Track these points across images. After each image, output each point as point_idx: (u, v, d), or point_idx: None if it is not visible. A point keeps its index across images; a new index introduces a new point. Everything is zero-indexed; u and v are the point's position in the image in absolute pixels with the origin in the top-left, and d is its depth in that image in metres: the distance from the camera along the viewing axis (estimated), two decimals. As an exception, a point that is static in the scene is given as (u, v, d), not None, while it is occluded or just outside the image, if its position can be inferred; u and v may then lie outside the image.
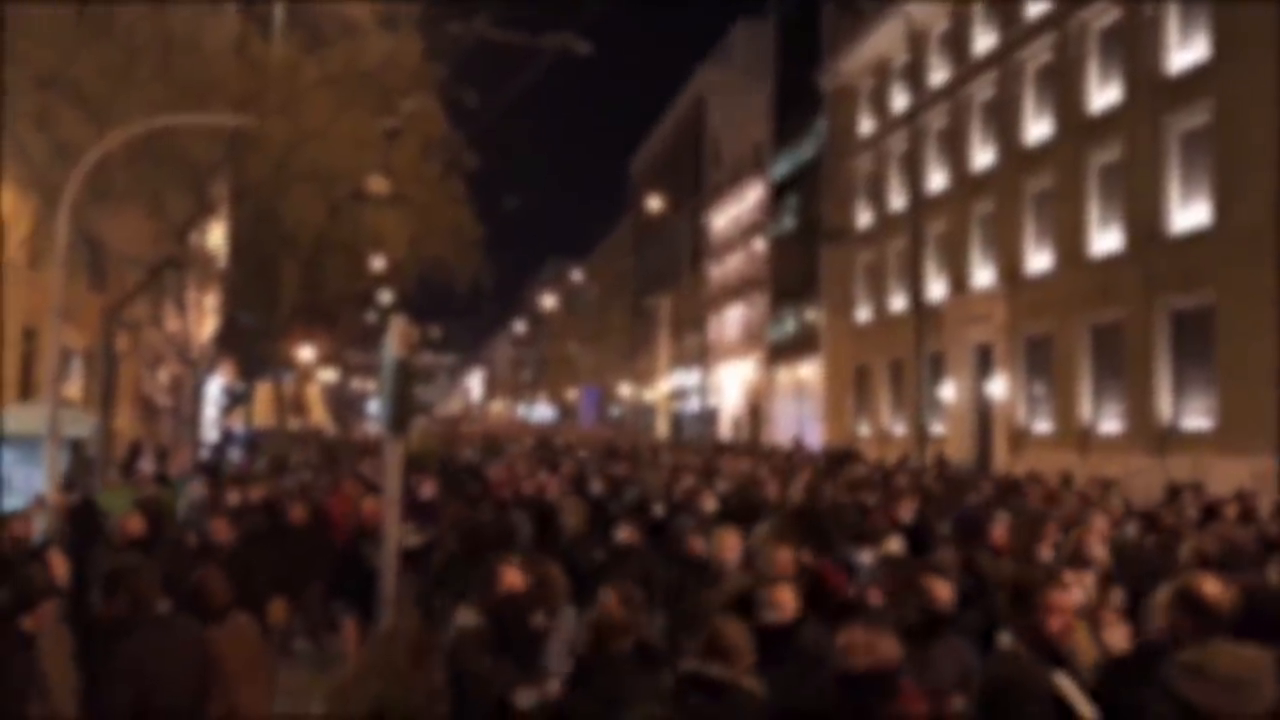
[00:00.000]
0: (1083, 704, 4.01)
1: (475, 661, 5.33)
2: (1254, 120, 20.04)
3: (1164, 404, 22.76)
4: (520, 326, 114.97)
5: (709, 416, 55.97)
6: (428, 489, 11.59)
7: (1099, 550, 7.38)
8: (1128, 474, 18.92)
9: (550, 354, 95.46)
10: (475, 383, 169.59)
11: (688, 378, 61.08)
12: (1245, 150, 20.35)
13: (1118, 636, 5.37)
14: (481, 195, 30.04)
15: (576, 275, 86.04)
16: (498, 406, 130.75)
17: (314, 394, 59.27)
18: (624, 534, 8.73)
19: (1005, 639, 4.15)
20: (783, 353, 46.59)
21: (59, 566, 5.61)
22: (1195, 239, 21.89)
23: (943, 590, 5.56)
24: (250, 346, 35.74)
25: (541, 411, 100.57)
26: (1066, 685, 3.99)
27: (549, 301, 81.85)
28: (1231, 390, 20.62)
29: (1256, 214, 19.86)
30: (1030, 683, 3.96)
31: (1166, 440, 22.06)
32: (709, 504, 10.50)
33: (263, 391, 44.31)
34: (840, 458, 25.39)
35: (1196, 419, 21.94)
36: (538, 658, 5.56)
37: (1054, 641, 4.11)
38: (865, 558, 7.68)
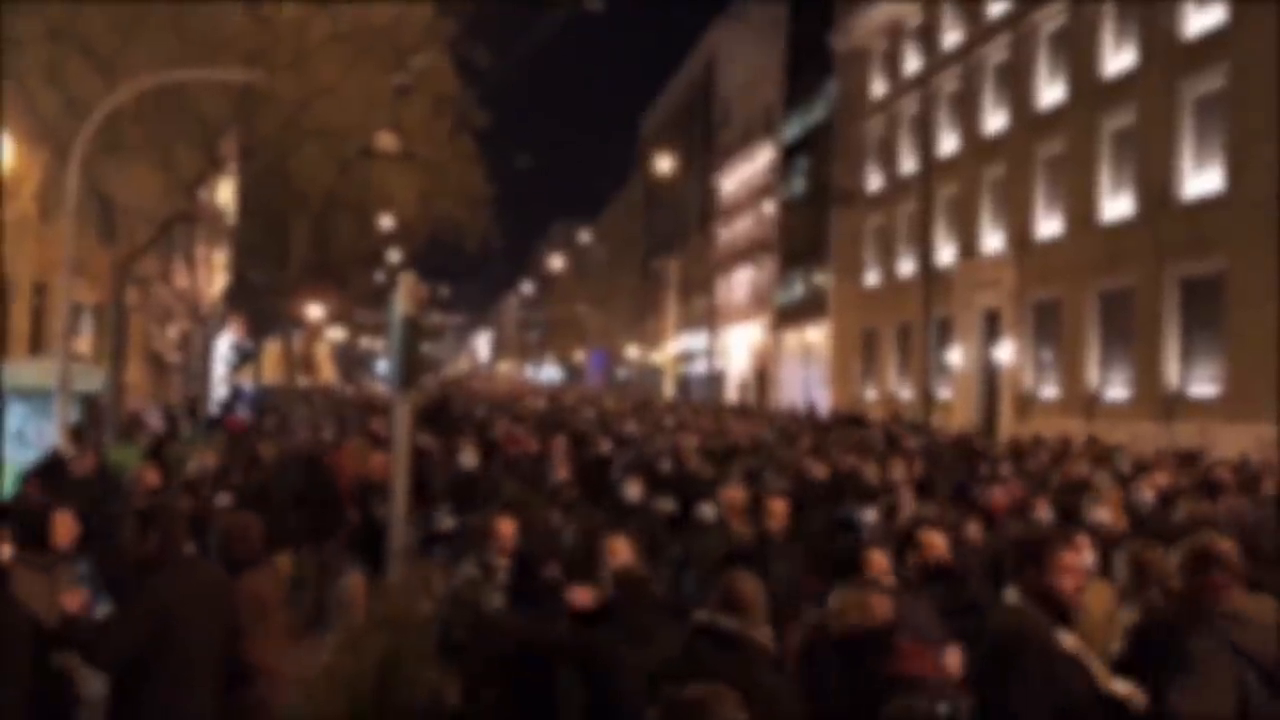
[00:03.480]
0: (1093, 661, 4.00)
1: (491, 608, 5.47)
2: (1269, 86, 19.84)
3: (1171, 371, 22.74)
4: (528, 287, 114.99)
5: (716, 380, 56.04)
6: (469, 456, 11.26)
7: (1103, 514, 7.45)
8: (1132, 440, 18.96)
9: (558, 315, 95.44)
10: (483, 343, 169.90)
11: (695, 340, 61.08)
12: (1259, 116, 20.17)
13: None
14: (491, 154, 29.95)
15: (585, 236, 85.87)
16: (505, 367, 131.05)
17: (323, 352, 59.49)
18: (631, 491, 8.90)
19: (1011, 595, 4.08)
20: (790, 316, 46.54)
21: (65, 527, 5.70)
22: (1207, 206, 21.77)
23: (937, 542, 5.67)
24: (259, 304, 35.86)
25: (549, 373, 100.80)
26: (1074, 642, 3.96)
27: (557, 262, 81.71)
28: (1239, 358, 20.60)
29: (1269, 181, 19.72)
30: (1032, 637, 3.90)
31: (1173, 407, 22.07)
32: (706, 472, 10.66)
33: (271, 349, 44.52)
34: (846, 421, 25.48)
35: (1203, 386, 21.93)
36: (553, 606, 5.70)
37: (1063, 601, 4.02)
38: (868, 516, 7.82)
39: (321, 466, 11.37)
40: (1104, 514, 7.44)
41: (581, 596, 5.49)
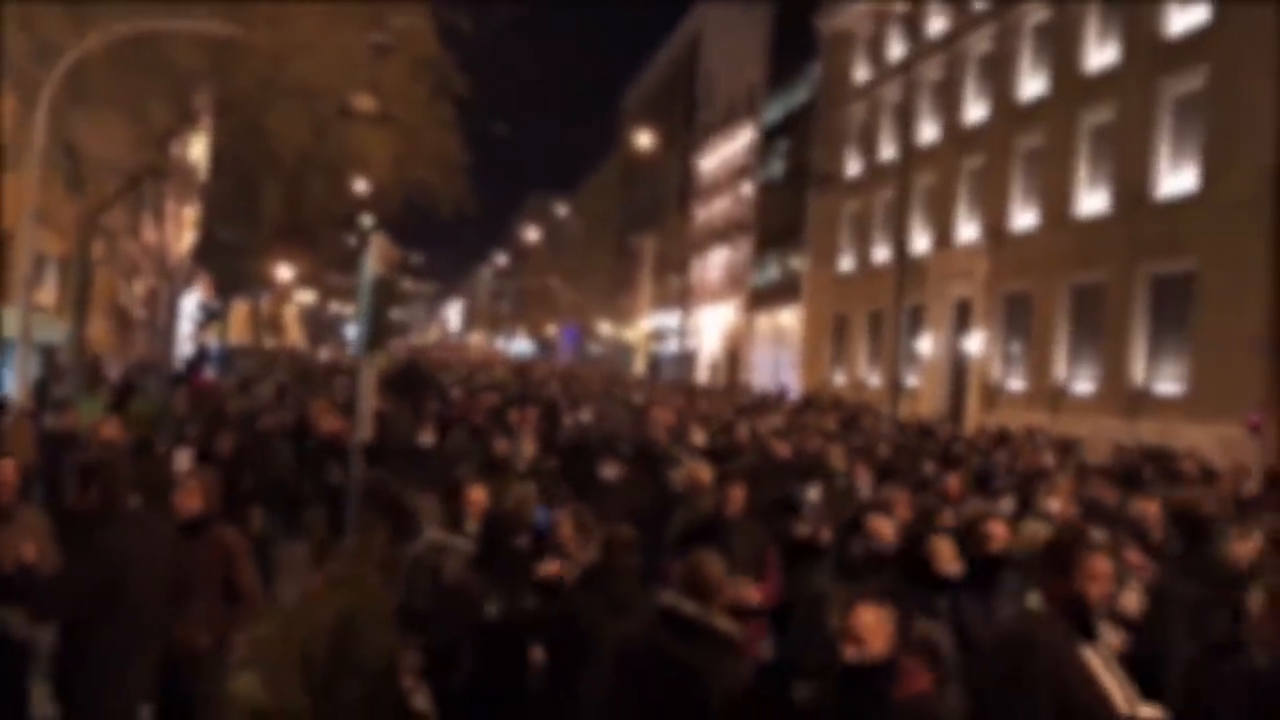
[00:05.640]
0: (1108, 677, 3.67)
1: (456, 574, 5.42)
2: (1249, 88, 19.97)
3: (1138, 368, 22.95)
4: (502, 258, 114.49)
5: (687, 359, 56.08)
6: (427, 436, 10.65)
7: (1056, 505, 7.51)
8: (1095, 435, 19.14)
9: (531, 288, 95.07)
10: (454, 313, 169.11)
11: (668, 319, 61.06)
12: (1238, 118, 20.30)
13: (1130, 600, 5.35)
14: (469, 121, 29.56)
15: (561, 209, 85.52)
16: (476, 338, 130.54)
17: (291, 314, 58.96)
18: (609, 470, 8.94)
19: (1034, 600, 3.88)
20: (764, 298, 46.58)
21: (7, 472, 5.58)
22: (1181, 205, 21.92)
23: (885, 529, 5.66)
24: (228, 263, 35.46)
25: (520, 345, 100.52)
26: (1093, 658, 3.66)
27: (532, 234, 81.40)
28: (1205, 358, 20.80)
29: (1245, 184, 19.87)
30: (1045, 648, 3.61)
31: (1137, 404, 22.28)
32: (697, 439, 10.68)
33: (239, 309, 44.06)
34: (809, 404, 25.58)
35: (1168, 384, 22.15)
36: (520, 575, 5.66)
37: (1088, 610, 3.72)
38: (811, 495, 7.90)
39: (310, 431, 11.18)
40: (1054, 503, 7.53)
41: (549, 568, 5.46)
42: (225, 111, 24.63)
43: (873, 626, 3.63)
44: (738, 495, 6.55)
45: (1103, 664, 3.66)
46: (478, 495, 6.21)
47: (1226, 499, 9.82)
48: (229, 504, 6.07)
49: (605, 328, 73.29)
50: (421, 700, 4.50)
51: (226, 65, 20.70)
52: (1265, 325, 19.10)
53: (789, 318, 43.47)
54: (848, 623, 3.64)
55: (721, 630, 4.08)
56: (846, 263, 38.89)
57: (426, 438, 10.24)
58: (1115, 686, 3.63)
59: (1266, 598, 4.26)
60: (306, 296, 58.33)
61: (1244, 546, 6.08)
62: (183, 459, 9.22)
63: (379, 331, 8.26)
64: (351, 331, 56.64)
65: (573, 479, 9.05)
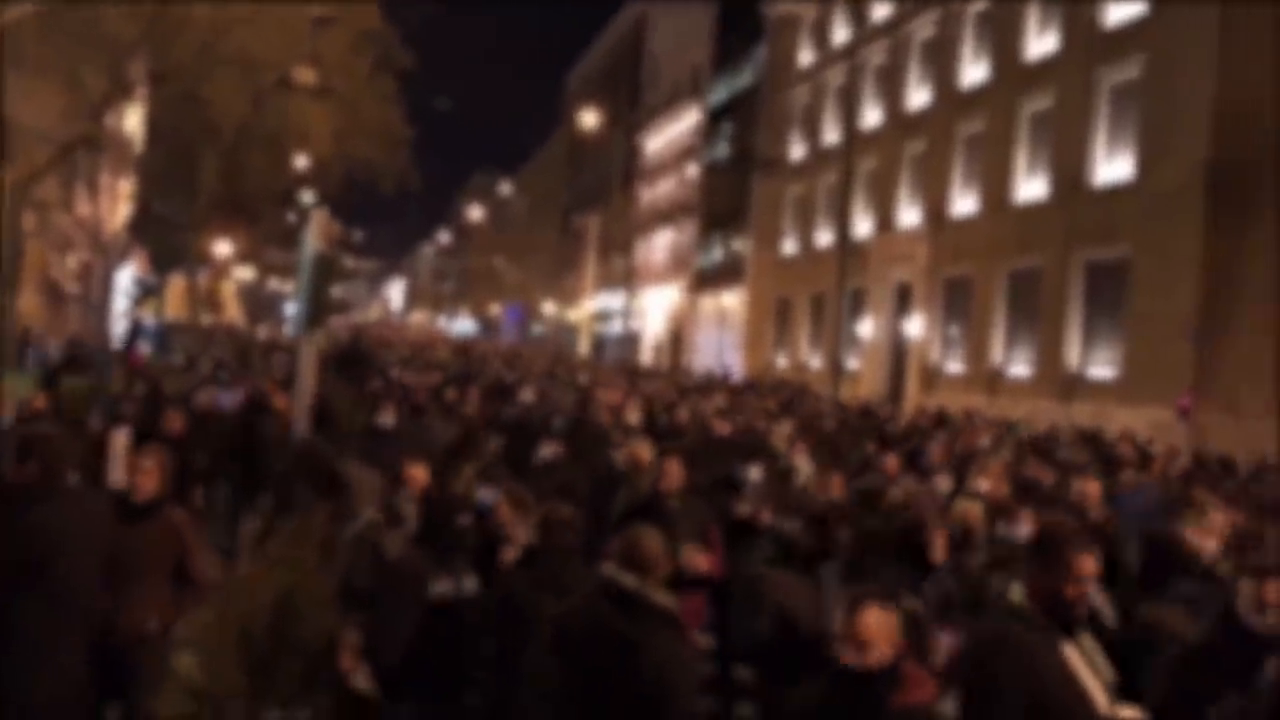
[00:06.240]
0: (1089, 675, 3.55)
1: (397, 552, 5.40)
2: (1184, 79, 20.39)
3: (1073, 352, 23.42)
4: (445, 237, 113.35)
5: (631, 340, 56.10)
6: (387, 416, 9.97)
7: (986, 484, 7.65)
8: (1031, 417, 19.51)
9: (474, 267, 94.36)
10: (396, 291, 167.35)
11: (612, 300, 61.00)
12: (1173, 109, 20.73)
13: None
14: (412, 96, 29.25)
15: (505, 188, 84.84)
16: (418, 317, 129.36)
17: (229, 291, 57.91)
18: (548, 450, 8.93)
19: (1016, 593, 3.65)
20: (708, 280, 46.74)
21: None
22: (1117, 193, 22.36)
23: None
24: (165, 237, 34.74)
25: (463, 325, 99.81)
26: (1073, 656, 3.54)
27: (476, 213, 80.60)
28: (1137, 343, 21.30)
29: (1178, 174, 20.32)
30: (1020, 646, 3.48)
31: (1072, 387, 22.76)
32: (633, 418, 10.68)
33: (175, 284, 43.18)
34: (752, 385, 25.76)
35: (1102, 368, 22.65)
36: (460, 554, 5.64)
37: (1070, 607, 3.57)
38: (753, 474, 7.97)
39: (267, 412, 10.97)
40: (984, 483, 7.63)
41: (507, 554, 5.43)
42: (162, 81, 24.06)
43: (877, 630, 3.42)
44: (674, 470, 6.57)
45: (1084, 662, 3.56)
46: (417, 473, 6.18)
47: (1164, 481, 10.10)
48: (180, 484, 5.99)
49: (549, 308, 73.03)
50: (362, 679, 4.47)
51: (163, 34, 20.22)
52: (1194, 312, 19.60)
53: (732, 300, 43.67)
54: (850, 625, 3.40)
55: (658, 603, 4.05)
56: (790, 246, 39.14)
57: (387, 418, 10.14)
58: (1096, 686, 3.53)
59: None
60: (245, 273, 57.31)
61: (1206, 536, 6.07)
62: (119, 438, 9.05)
63: (319, 309, 8.16)
64: (291, 309, 55.83)
65: (513, 459, 9.04)
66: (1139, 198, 21.52)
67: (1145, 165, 21.60)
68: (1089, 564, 3.60)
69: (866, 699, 3.40)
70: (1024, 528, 5.79)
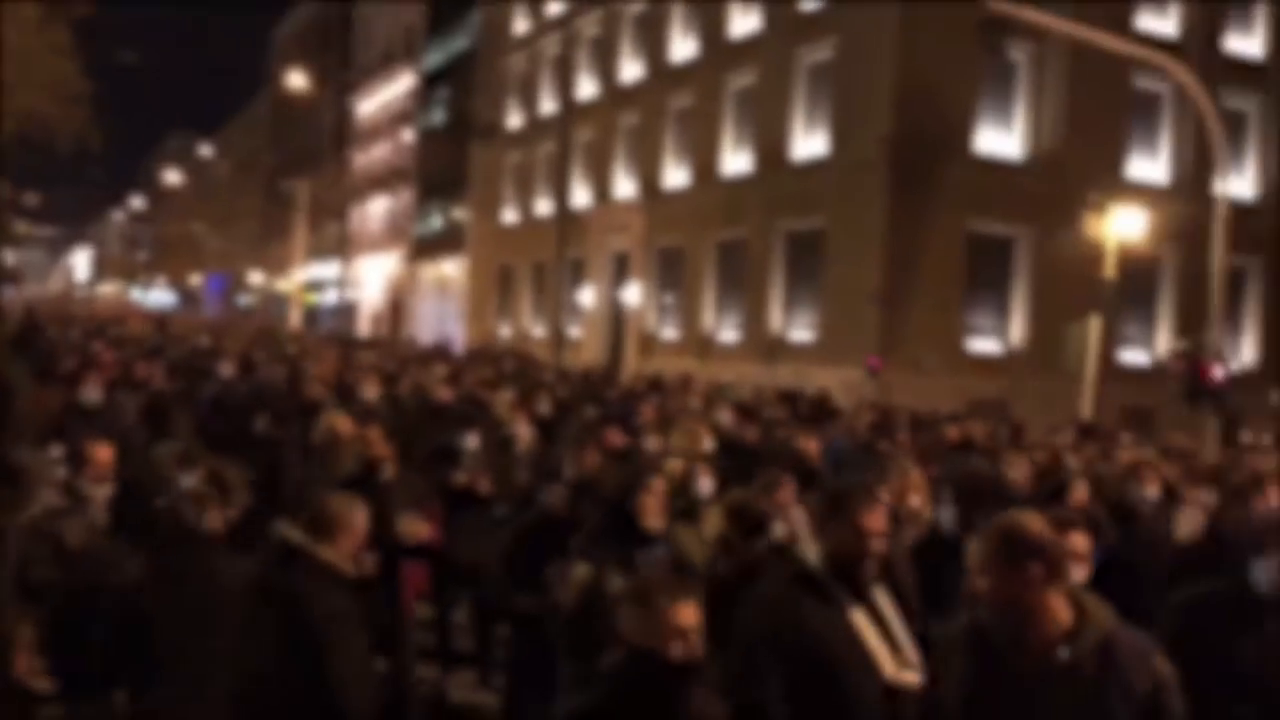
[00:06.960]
0: (874, 639, 3.45)
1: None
2: (872, 60, 21.96)
3: (775, 317, 24.84)
4: (138, 202, 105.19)
5: (348, 311, 54.29)
6: (92, 391, 9.24)
7: (705, 443, 7.98)
8: (739, 380, 20.55)
9: (172, 234, 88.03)
10: (81, 261, 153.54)
11: (326, 269, 58.71)
12: (862, 88, 22.29)
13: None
14: (92, 48, 26.69)
15: (205, 150, 79.68)
16: (108, 289, 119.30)
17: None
18: (261, 424, 8.89)
19: (812, 550, 3.54)
20: (427, 249, 45.91)
21: None
22: (813, 168, 23.83)
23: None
24: None
25: (159, 296, 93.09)
26: (859, 619, 3.44)
27: (172, 177, 75.27)
28: (832, 308, 22.88)
29: (865, 150, 21.90)
30: (791, 608, 3.39)
31: (775, 350, 24.15)
32: (370, 393, 10.40)
33: None
34: (476, 355, 25.62)
35: (801, 332, 24.17)
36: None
37: (859, 565, 3.47)
38: (470, 443, 8.04)
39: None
40: (680, 439, 7.88)
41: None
42: None
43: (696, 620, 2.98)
44: (377, 439, 6.40)
45: (871, 625, 3.46)
46: (102, 454, 5.70)
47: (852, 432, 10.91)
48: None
49: (256, 278, 69.36)
50: (42, 681, 4.10)
51: None
52: (881, 279, 21.27)
53: (453, 268, 43.15)
54: (673, 616, 2.92)
55: (323, 559, 4.14)
56: (510, 214, 39.09)
57: (92, 394, 9.19)
58: (883, 650, 3.45)
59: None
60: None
61: (1019, 470, 6.88)
62: None
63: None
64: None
65: (215, 436, 8.53)
66: (832, 172, 23.03)
67: (838, 141, 23.14)
68: (877, 521, 3.53)
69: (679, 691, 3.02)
70: (706, 483, 6.00)
